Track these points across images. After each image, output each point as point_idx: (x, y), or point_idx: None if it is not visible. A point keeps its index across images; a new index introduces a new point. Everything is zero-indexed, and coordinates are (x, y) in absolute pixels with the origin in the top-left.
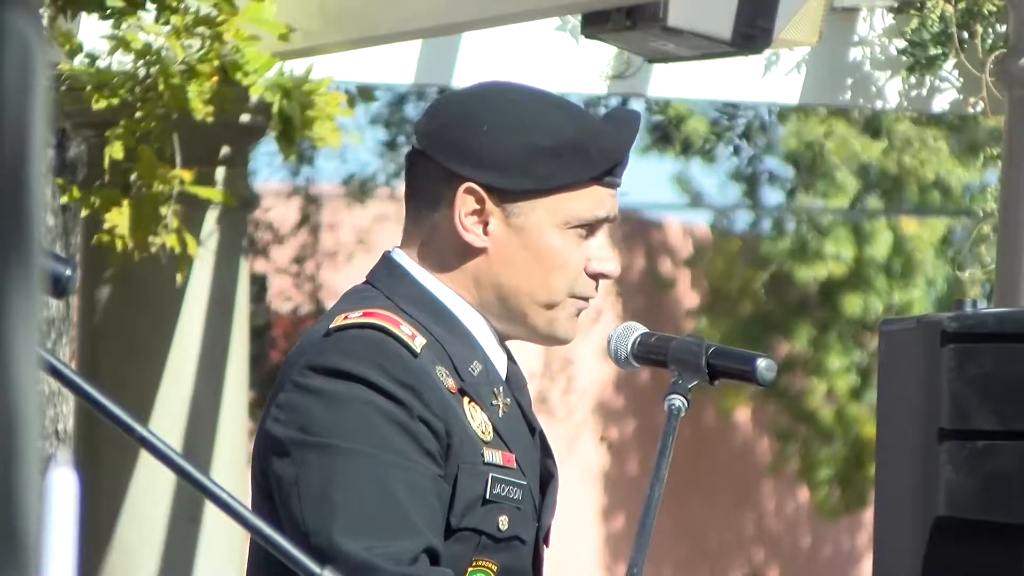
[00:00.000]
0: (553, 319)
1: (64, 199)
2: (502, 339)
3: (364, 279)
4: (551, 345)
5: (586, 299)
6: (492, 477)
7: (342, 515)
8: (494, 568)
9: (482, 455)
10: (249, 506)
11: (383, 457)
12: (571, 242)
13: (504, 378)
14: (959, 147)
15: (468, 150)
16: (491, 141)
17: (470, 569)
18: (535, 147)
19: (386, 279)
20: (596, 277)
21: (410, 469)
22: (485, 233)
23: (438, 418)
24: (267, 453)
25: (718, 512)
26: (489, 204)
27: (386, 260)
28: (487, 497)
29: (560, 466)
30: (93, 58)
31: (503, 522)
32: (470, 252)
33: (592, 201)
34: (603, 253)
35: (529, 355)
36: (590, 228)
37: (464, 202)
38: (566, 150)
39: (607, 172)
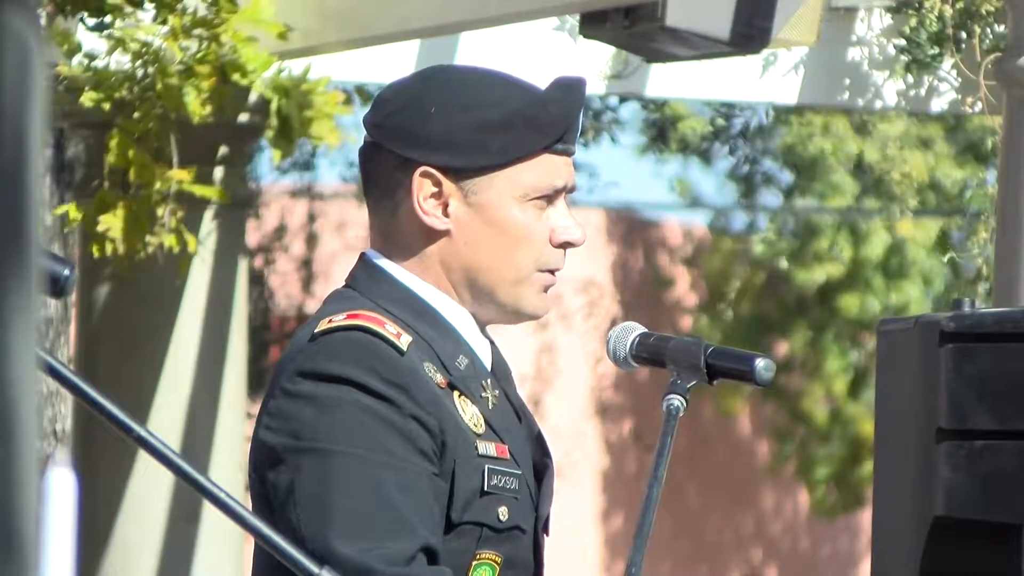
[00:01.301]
0: (520, 295)
1: (63, 211)
2: (481, 326)
3: (344, 282)
4: (521, 321)
5: (553, 272)
6: (488, 469)
7: (337, 519)
8: (498, 560)
9: (476, 448)
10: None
11: (376, 458)
12: (532, 214)
13: (490, 369)
14: (956, 147)
15: (419, 134)
16: (440, 122)
17: (474, 562)
18: (484, 122)
19: (366, 281)
20: (562, 247)
21: (404, 469)
22: (446, 215)
23: (430, 415)
24: (262, 462)
25: (716, 511)
26: (446, 185)
27: (363, 262)
28: (485, 489)
29: (558, 466)
30: (91, 58)
31: (503, 513)
32: (433, 236)
33: (548, 171)
34: (566, 222)
35: (524, 358)
36: (549, 199)
37: (421, 186)
38: (515, 121)
39: (558, 140)
